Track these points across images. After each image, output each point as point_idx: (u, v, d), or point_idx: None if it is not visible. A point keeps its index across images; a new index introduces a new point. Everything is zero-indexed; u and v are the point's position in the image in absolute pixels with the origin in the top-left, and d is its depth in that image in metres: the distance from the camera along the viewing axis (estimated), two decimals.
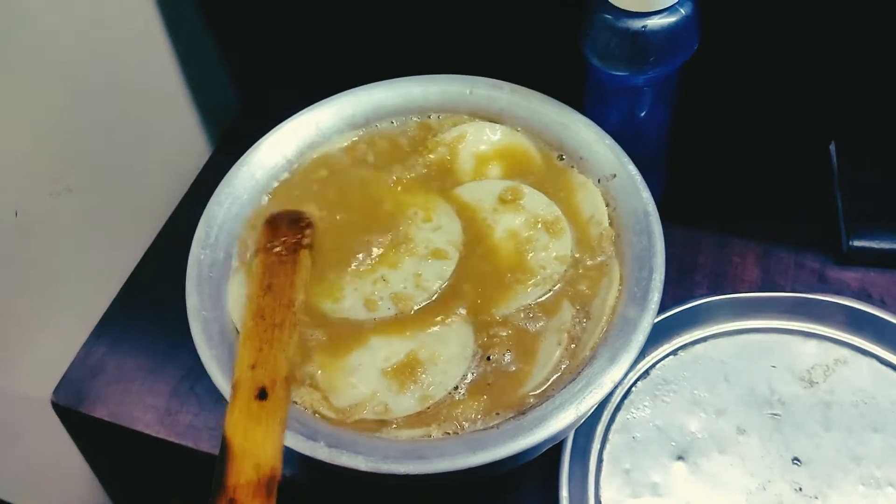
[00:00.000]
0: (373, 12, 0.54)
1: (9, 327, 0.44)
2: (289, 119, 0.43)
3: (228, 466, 0.28)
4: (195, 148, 0.57)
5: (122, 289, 0.51)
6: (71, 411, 0.46)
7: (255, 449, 0.29)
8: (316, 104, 0.44)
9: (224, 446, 0.28)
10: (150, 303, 0.50)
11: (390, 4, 0.53)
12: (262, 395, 0.30)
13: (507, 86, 0.44)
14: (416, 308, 0.37)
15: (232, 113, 0.60)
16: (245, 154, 0.42)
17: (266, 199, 0.42)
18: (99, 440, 0.49)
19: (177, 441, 0.44)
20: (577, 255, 0.39)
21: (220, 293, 0.38)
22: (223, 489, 0.28)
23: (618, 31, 0.39)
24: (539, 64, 0.46)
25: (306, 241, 0.36)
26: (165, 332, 0.49)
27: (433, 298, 0.38)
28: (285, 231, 0.37)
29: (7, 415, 0.45)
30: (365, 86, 0.45)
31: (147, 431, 0.45)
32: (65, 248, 0.46)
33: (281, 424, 0.30)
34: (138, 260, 0.52)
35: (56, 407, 0.47)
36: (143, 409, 0.46)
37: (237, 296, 0.38)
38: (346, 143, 0.44)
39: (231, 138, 0.59)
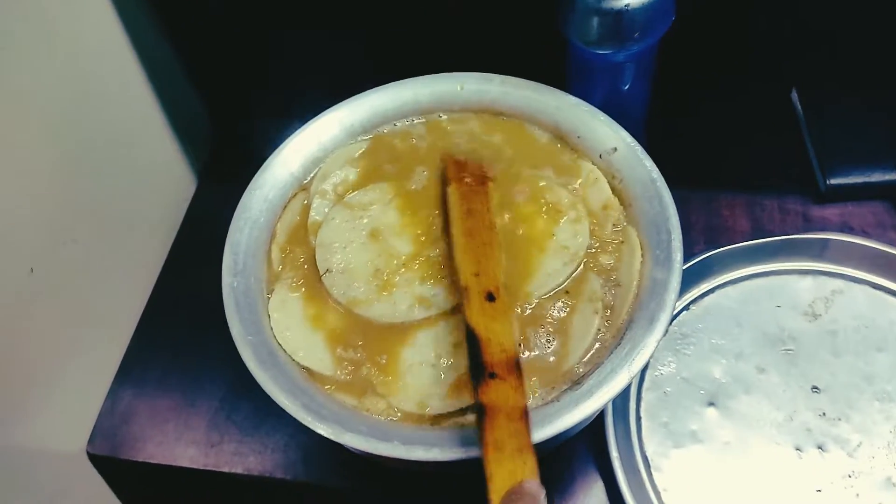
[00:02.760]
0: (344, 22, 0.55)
1: (31, 386, 0.43)
2: (292, 136, 0.44)
3: (482, 349, 0.33)
4: (181, 182, 0.57)
5: (135, 330, 0.50)
6: (109, 459, 0.46)
7: (498, 337, 0.33)
8: (314, 118, 0.45)
9: (473, 336, 0.33)
10: (165, 341, 0.50)
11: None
12: (490, 297, 0.35)
13: (496, 77, 0.45)
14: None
15: (209, 143, 0.60)
16: (255, 177, 0.42)
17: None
18: (139, 486, 0.48)
19: (228, 471, 0.44)
20: (593, 229, 0.41)
21: (258, 317, 0.39)
22: (483, 366, 0.32)
23: (602, 12, 0.41)
24: (515, 53, 0.48)
25: (490, 173, 0.42)
26: (187, 367, 0.49)
27: None
28: (471, 167, 0.42)
29: (42, 473, 0.44)
30: (358, 95, 0.45)
31: (194, 466, 0.45)
32: (75, 298, 0.46)
33: (510, 320, 0.35)
34: (146, 300, 0.52)
35: (92, 457, 0.46)
36: (184, 445, 0.45)
37: (278, 317, 0.39)
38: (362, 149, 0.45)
39: (212, 168, 0.59)
